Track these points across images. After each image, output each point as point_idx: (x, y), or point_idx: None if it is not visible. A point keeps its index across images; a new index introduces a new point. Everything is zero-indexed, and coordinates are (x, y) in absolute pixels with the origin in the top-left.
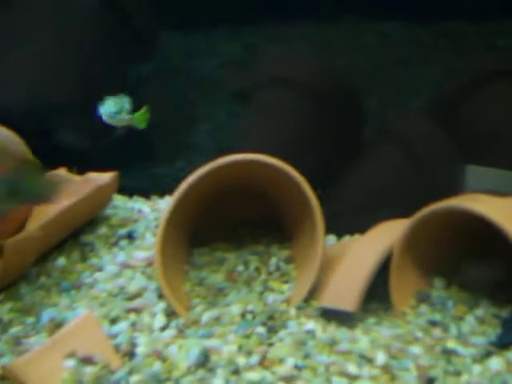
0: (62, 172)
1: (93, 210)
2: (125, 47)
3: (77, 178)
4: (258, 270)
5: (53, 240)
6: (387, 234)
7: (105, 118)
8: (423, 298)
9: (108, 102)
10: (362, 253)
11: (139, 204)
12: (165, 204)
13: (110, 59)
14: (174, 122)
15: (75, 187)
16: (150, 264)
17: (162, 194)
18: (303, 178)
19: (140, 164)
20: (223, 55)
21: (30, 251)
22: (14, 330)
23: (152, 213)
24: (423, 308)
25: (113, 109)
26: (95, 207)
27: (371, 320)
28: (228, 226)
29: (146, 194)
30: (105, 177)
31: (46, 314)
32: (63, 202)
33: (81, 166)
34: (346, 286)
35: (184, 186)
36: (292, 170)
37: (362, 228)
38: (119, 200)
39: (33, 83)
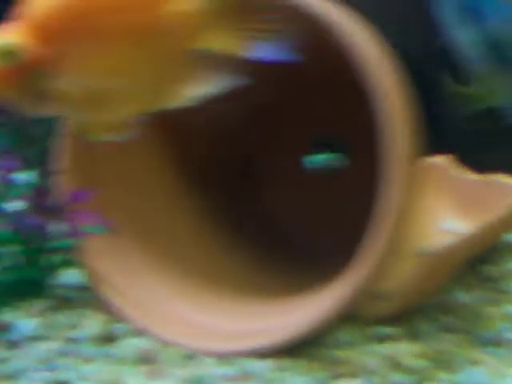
0: (439, 160)
1: (502, 231)
2: None
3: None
4: None
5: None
6: None
7: None
8: None
9: None
10: None
11: None
12: None
13: None
14: None
15: (477, 194)
16: None
17: None
18: None
19: None
20: None
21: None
22: None
23: None
24: None
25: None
26: (505, 228)
27: None
28: None
29: None
30: None
31: (468, 373)
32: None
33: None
34: None
35: None
36: None
37: None
38: None
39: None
